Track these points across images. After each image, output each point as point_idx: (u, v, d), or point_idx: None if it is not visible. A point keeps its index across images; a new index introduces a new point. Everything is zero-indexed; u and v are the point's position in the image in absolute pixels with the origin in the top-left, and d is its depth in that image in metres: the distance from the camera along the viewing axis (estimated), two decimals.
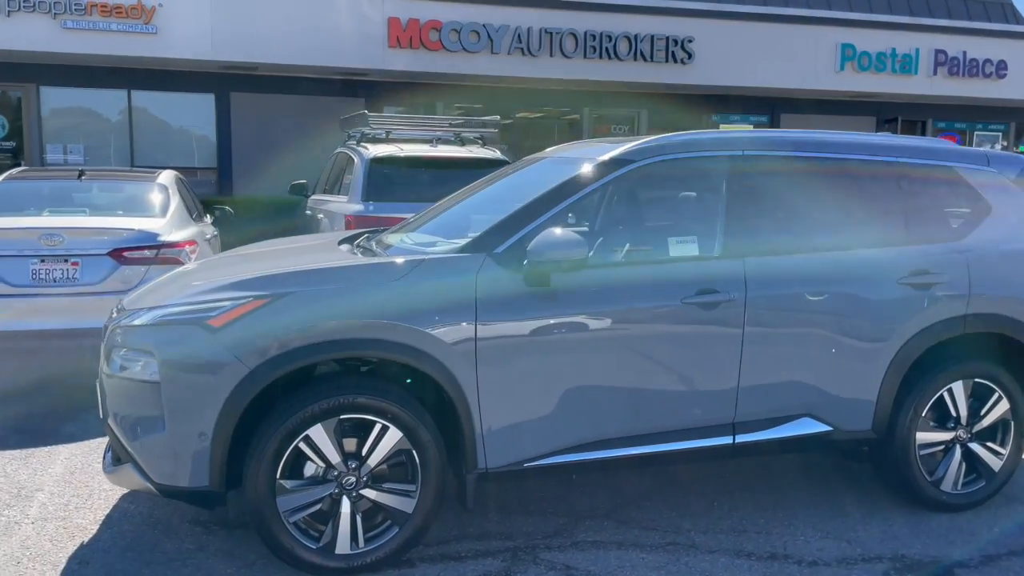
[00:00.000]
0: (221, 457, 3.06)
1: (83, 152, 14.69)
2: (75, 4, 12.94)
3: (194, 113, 15.48)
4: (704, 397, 3.59)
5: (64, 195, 6.62)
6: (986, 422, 3.96)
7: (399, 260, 3.37)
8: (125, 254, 5.76)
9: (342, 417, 3.15)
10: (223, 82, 14.91)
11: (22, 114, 14.58)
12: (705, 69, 16.08)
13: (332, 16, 14.09)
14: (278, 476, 3.10)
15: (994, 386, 3.93)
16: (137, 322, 3.22)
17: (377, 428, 3.19)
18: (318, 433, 3.12)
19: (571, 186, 3.57)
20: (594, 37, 15.32)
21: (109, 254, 5.72)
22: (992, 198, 4.07)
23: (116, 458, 3.31)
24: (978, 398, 3.96)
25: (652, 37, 15.67)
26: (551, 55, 15.16)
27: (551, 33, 15.07)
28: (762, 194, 3.78)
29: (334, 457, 3.16)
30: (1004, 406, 3.96)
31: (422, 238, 4.01)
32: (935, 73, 17.17)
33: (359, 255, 3.68)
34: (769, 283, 3.63)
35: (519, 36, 14.90)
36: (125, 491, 3.86)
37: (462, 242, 3.46)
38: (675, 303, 3.50)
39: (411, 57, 14.49)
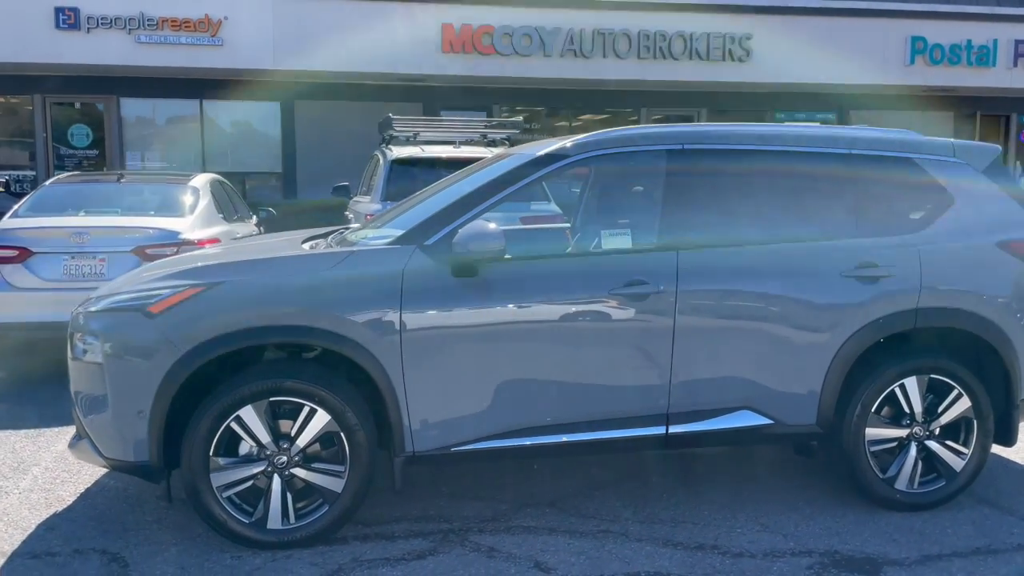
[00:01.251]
0: (158, 434, 3.30)
1: (158, 159, 15.58)
2: (148, 20, 13.75)
3: (261, 121, 16.22)
4: (635, 387, 3.63)
5: (103, 197, 7.12)
6: (945, 419, 3.85)
7: (331, 252, 3.55)
8: (148, 251, 6.16)
9: (272, 399, 3.35)
10: (287, 90, 15.52)
11: (104, 124, 15.57)
12: (764, 66, 15.76)
13: (388, 24, 14.49)
14: (211, 453, 3.32)
15: (952, 383, 3.82)
16: (92, 309, 3.51)
17: (305, 411, 3.38)
18: (248, 414, 3.33)
19: (504, 181, 3.69)
20: (648, 37, 15.25)
21: (133, 251, 6.14)
22: (955, 190, 3.96)
23: (77, 435, 3.61)
24: (936, 394, 3.85)
25: (708, 35, 15.47)
26: (604, 56, 15.18)
27: (604, 34, 15.08)
28: (702, 188, 3.79)
29: (264, 437, 3.36)
30: (964, 403, 3.84)
31: (385, 232, 4.18)
32: (1015, 65, 16.33)
33: (305, 248, 3.88)
34: (703, 276, 3.64)
35: (572, 38, 14.98)
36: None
37: (398, 235, 3.62)
38: (603, 294, 3.56)
39: (464, 62, 14.76)
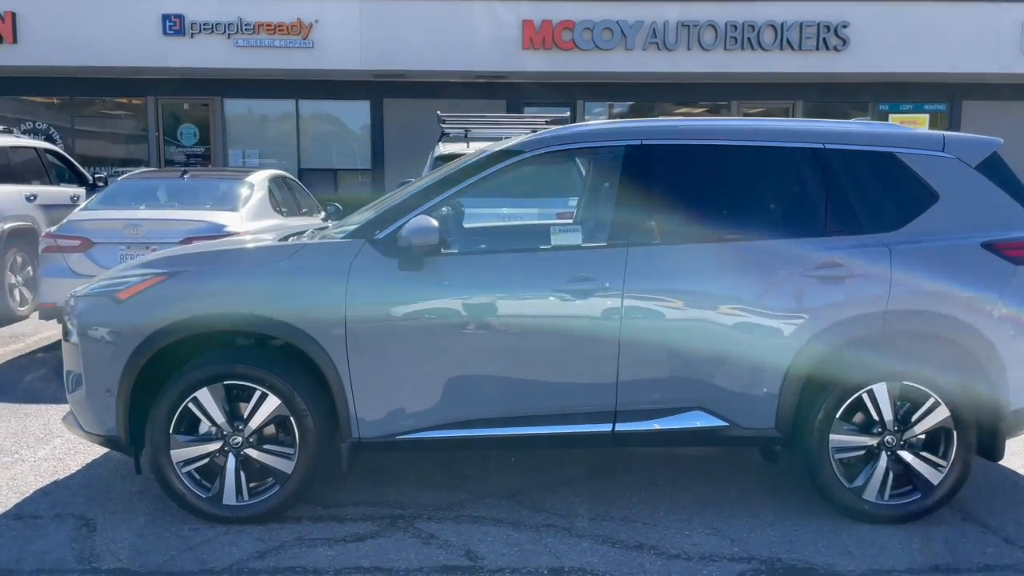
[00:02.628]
0: (124, 410, 3.57)
1: (257, 156, 16.46)
2: (245, 24, 14.55)
3: (352, 119, 16.84)
4: (581, 383, 3.62)
5: (165, 192, 7.65)
6: (919, 429, 3.64)
7: (284, 245, 3.73)
8: (195, 242, 6.58)
9: (226, 383, 3.56)
10: (376, 89, 16.07)
11: (209, 124, 16.57)
12: (863, 55, 15.06)
13: (470, 21, 14.75)
14: (171, 431, 3.57)
15: (928, 390, 3.60)
16: (78, 294, 3.82)
17: (257, 395, 3.57)
18: (205, 396, 3.55)
19: (457, 177, 3.76)
20: (735, 27, 14.85)
21: (181, 243, 6.57)
22: (940, 185, 3.72)
23: (70, 410, 3.94)
24: (910, 402, 3.65)
25: (801, 24, 14.92)
26: (688, 48, 14.91)
27: (688, 26, 14.80)
28: (658, 184, 3.72)
29: (219, 418, 3.58)
30: (942, 413, 3.61)
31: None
32: None
33: (276, 241, 4.07)
34: (652, 272, 3.59)
35: (654, 31, 14.78)
36: None
37: (350, 229, 3.75)
38: (547, 290, 3.57)
39: (544, 58, 14.84)
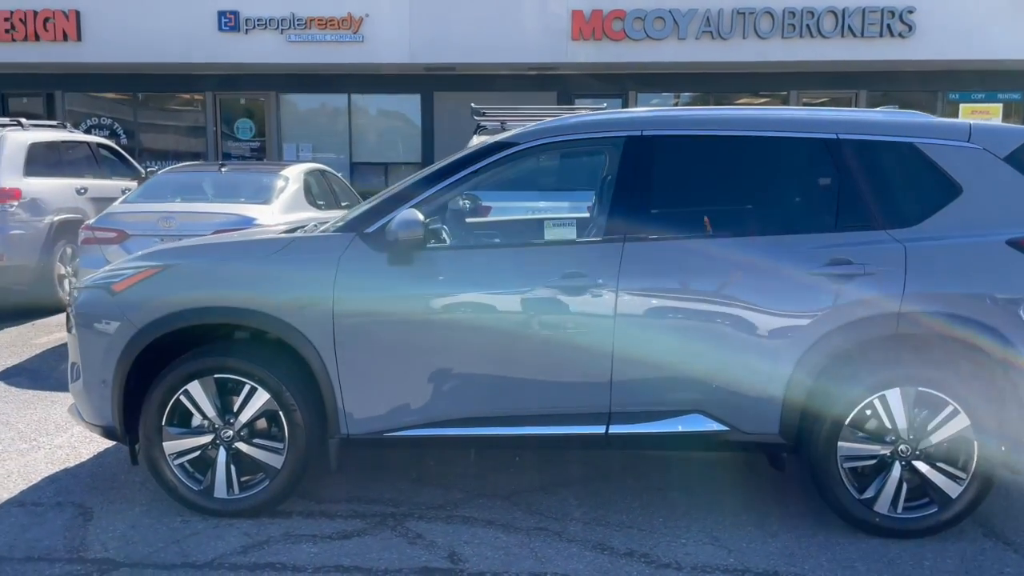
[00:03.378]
0: (119, 401, 3.59)
1: (311, 150, 16.68)
2: (297, 20, 14.74)
3: (402, 112, 16.92)
4: (573, 383, 3.50)
5: (201, 185, 7.77)
6: (935, 439, 3.40)
7: (275, 238, 3.70)
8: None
9: (217, 376, 3.56)
10: (426, 83, 16.11)
11: (265, 118, 16.87)
12: (930, 42, 14.43)
13: (519, 13, 14.65)
14: (163, 423, 3.58)
15: (946, 397, 3.36)
16: (79, 285, 3.87)
17: (247, 389, 3.55)
18: (196, 389, 3.56)
19: (451, 170, 3.67)
20: (793, 15, 14.39)
21: (212, 235, 6.66)
22: (964, 178, 3.47)
23: (73, 401, 4.01)
24: (927, 410, 3.42)
25: (863, 10, 14.37)
26: (744, 37, 14.51)
27: (744, 14, 14.41)
28: (658, 177, 3.57)
29: (210, 411, 3.57)
30: (962, 422, 3.37)
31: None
32: None
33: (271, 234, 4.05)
34: (649, 269, 3.44)
35: (708, 19, 14.43)
36: None
37: (343, 222, 3.71)
38: (538, 286, 3.46)
39: (594, 48, 14.63)
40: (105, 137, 16.57)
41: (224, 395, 3.59)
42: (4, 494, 3.88)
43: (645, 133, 3.60)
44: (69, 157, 9.30)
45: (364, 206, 3.77)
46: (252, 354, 3.59)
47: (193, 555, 3.31)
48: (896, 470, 3.43)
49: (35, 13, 14.94)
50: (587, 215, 4.63)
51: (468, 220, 4.82)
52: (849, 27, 14.37)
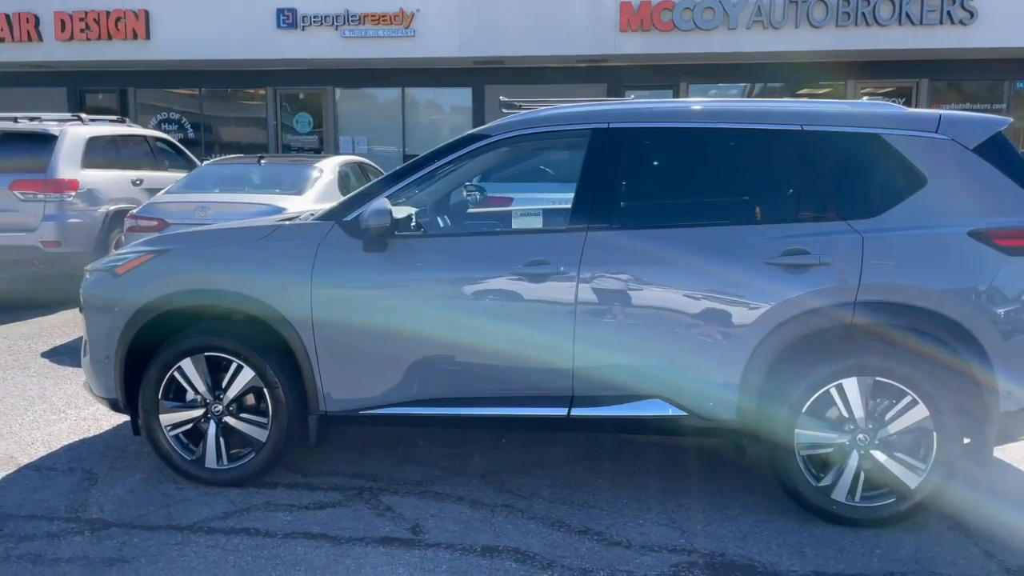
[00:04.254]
0: (120, 376, 3.89)
1: (366, 143, 17.10)
2: (351, 16, 15.11)
3: (454, 105, 17.17)
4: (538, 367, 3.63)
5: (240, 177, 8.14)
6: (893, 429, 3.42)
7: (261, 225, 3.94)
8: None
9: (206, 354, 3.82)
10: (476, 76, 16.31)
11: (322, 112, 17.36)
12: (994, 28, 13.90)
13: (566, 5, 14.70)
14: (160, 397, 3.87)
15: (905, 388, 3.37)
16: (89, 268, 4.19)
17: (234, 366, 3.80)
18: (188, 365, 3.82)
19: (426, 161, 3.84)
20: (847, 2, 14.06)
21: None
22: (929, 169, 3.46)
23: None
24: (884, 399, 3.43)
25: None
26: (796, 26, 14.23)
27: (796, 3, 14.14)
28: (623, 168, 3.66)
29: (201, 387, 3.84)
30: (920, 413, 3.38)
31: None
32: None
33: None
34: (610, 257, 3.54)
35: (759, 8, 14.21)
36: None
37: (326, 210, 3.92)
38: (504, 273, 3.60)
39: (642, 40, 14.57)
40: (173, 131, 17.37)
41: (215, 372, 3.85)
42: (24, 459, 4.24)
43: (612, 126, 3.69)
44: (126, 150, 9.83)
45: (348, 196, 3.97)
46: (238, 334, 3.83)
47: (178, 519, 3.58)
48: (854, 459, 3.46)
49: (107, 13, 15.71)
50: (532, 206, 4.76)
51: (470, 211, 4.99)
52: (907, 14, 13.94)
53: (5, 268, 8.83)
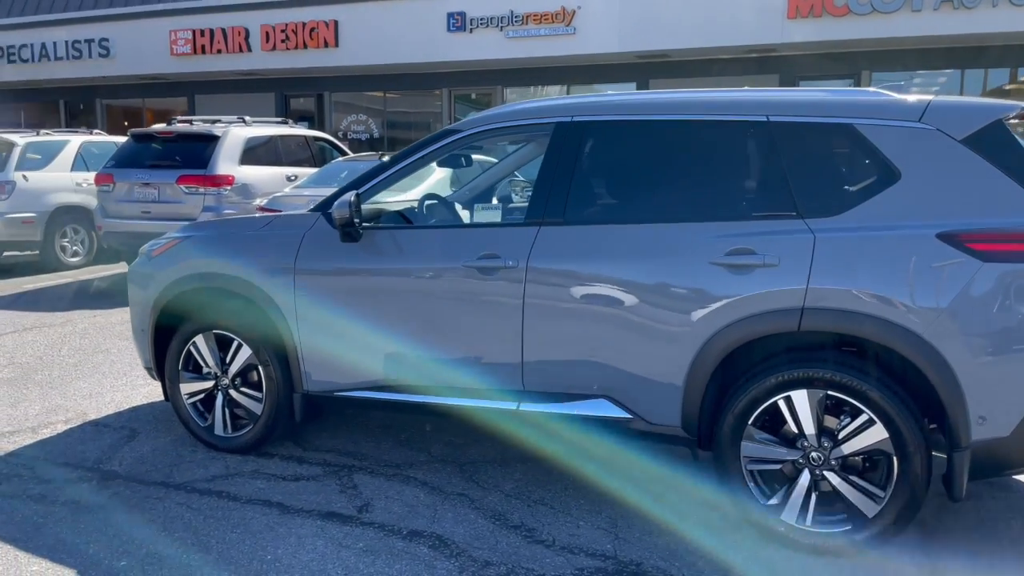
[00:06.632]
0: (152, 347, 4.41)
1: None
2: (515, 17, 15.51)
3: None
4: (491, 360, 3.65)
5: (361, 172, 8.68)
6: (847, 449, 3.10)
7: (263, 216, 4.26)
8: None
9: (216, 332, 4.22)
10: (640, 71, 16.11)
11: None
12: None
13: None
14: (180, 368, 4.34)
15: (860, 405, 3.04)
16: (141, 250, 4.74)
17: (235, 344, 4.18)
18: (200, 341, 4.25)
19: (404, 155, 3.98)
20: None
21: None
22: (905, 163, 3.08)
23: None
24: (838, 416, 3.12)
25: None
26: (993, 5, 12.70)
27: None
28: (582, 162, 3.58)
29: (210, 361, 4.25)
30: (879, 434, 3.03)
31: None
32: None
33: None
34: (558, 253, 3.49)
35: None
36: None
37: (318, 203, 4.18)
38: (458, 265, 3.66)
39: (813, 26, 13.69)
40: (360, 131, 18.71)
41: (223, 349, 4.25)
42: (93, 416, 4.90)
43: (575, 119, 3.63)
44: (284, 148, 10.81)
45: (340, 187, 4.21)
46: (239, 314, 4.20)
47: (174, 477, 4.00)
48: (805, 478, 3.17)
49: (303, 24, 17.26)
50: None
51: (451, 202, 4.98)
52: None
53: None
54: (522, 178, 6.06)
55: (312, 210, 4.14)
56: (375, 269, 3.84)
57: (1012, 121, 3.28)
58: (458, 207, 4.36)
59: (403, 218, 4.11)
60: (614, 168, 3.59)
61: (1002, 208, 2.97)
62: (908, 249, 2.98)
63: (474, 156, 5.75)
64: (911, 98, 3.21)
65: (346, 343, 3.92)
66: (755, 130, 3.31)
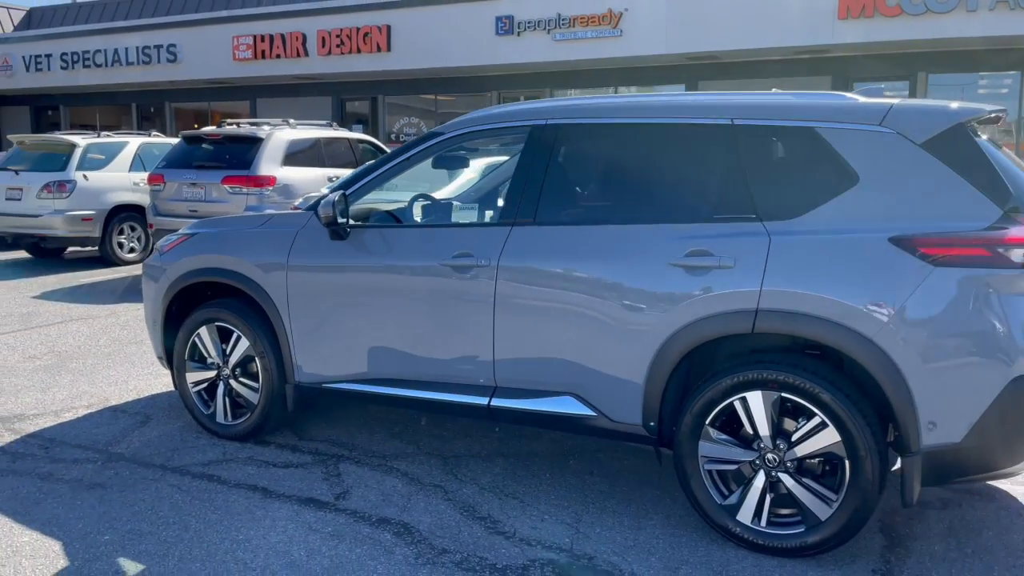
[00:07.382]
0: (161, 336, 4.66)
1: None
2: (562, 20, 15.60)
3: None
4: (464, 355, 3.76)
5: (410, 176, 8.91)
6: (800, 452, 3.11)
7: (261, 214, 4.46)
8: None
9: (217, 324, 4.44)
10: (689, 72, 16.00)
11: None
12: None
13: None
14: (186, 358, 4.57)
15: (812, 407, 3.05)
16: (156, 246, 5.00)
17: (235, 336, 4.39)
18: (204, 333, 4.48)
19: (390, 157, 4.12)
20: None
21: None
22: (863, 166, 3.08)
23: None
24: (792, 418, 3.14)
25: None
26: None
27: None
28: (550, 164, 3.65)
29: (213, 352, 4.47)
30: (831, 437, 3.03)
31: None
32: None
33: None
34: (528, 252, 3.58)
35: None
36: None
37: (311, 202, 4.35)
38: (434, 264, 3.78)
39: (864, 27, 13.40)
40: (412, 133, 19.03)
41: (224, 340, 4.47)
42: (114, 401, 5.19)
43: (549, 122, 3.72)
44: (327, 151, 11.12)
45: (331, 187, 4.39)
46: (238, 308, 4.40)
47: (173, 460, 4.23)
48: (760, 480, 3.19)
49: (357, 29, 17.67)
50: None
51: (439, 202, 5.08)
52: None
53: None
54: None
55: (306, 209, 4.32)
56: (360, 266, 3.99)
57: (987, 123, 3.25)
58: (443, 207, 4.49)
59: (393, 217, 4.26)
60: (583, 170, 3.67)
61: (957, 213, 2.94)
62: (860, 252, 2.98)
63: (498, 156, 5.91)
64: (874, 102, 3.20)
65: (332, 337, 4.08)
66: (719, 133, 3.35)
